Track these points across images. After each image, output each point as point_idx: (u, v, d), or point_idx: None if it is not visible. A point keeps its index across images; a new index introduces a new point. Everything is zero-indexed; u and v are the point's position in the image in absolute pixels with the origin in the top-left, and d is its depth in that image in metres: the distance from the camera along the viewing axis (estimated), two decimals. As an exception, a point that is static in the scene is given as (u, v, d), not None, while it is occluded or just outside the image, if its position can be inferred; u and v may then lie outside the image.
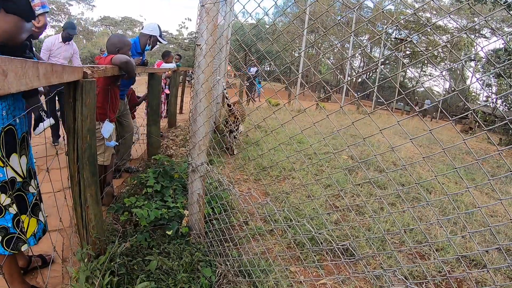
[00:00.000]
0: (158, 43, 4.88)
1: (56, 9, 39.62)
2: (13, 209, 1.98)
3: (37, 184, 2.24)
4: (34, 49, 2.53)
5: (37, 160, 4.51)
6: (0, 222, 1.97)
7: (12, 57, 1.00)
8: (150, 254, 2.55)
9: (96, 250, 2.38)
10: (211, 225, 2.87)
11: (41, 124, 2.31)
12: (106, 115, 3.42)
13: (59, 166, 2.28)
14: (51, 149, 5.18)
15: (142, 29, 4.81)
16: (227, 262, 2.60)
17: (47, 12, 2.18)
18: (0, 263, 1.99)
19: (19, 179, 2.00)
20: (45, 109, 2.38)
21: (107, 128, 3.36)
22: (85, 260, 2.25)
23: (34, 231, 2.15)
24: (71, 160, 2.20)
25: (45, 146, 2.62)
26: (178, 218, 3.04)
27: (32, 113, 2.91)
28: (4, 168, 1.89)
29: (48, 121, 2.38)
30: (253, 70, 11.76)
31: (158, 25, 4.71)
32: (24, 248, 2.09)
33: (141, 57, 4.61)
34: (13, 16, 1.82)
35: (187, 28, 47.28)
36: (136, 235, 2.77)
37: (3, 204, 1.94)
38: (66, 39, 5.84)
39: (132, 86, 5.03)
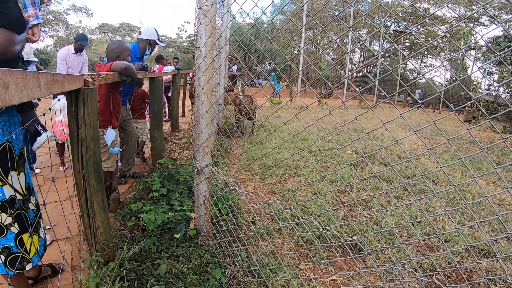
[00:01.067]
0: (156, 46, 4.90)
1: (53, 19, 39.71)
2: (15, 228, 1.96)
3: (36, 199, 2.22)
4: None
5: (42, 170, 4.54)
6: (2, 242, 1.95)
7: (12, 69, 1.00)
8: (159, 258, 2.55)
9: (105, 256, 2.39)
10: (218, 227, 2.87)
11: (38, 138, 2.25)
12: (108, 122, 3.43)
13: (64, 174, 2.28)
14: (56, 158, 5.19)
15: (139, 34, 4.81)
16: (236, 263, 2.60)
17: (40, 23, 2.15)
18: (7, 280, 1.99)
19: (19, 197, 1.97)
20: (41, 122, 2.34)
21: (110, 135, 3.38)
22: (95, 267, 2.26)
23: (37, 248, 2.14)
24: (76, 168, 2.21)
25: (50, 156, 2.62)
26: (186, 221, 3.04)
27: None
28: (3, 186, 1.86)
29: (45, 135, 2.34)
30: (234, 68, 11.60)
31: (155, 28, 4.73)
32: (28, 267, 2.08)
33: (141, 63, 4.62)
34: (3, 30, 1.80)
35: (186, 31, 47.35)
36: (144, 240, 2.78)
37: (4, 224, 1.92)
38: (78, 50, 6.01)
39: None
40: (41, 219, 2.26)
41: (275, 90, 20.04)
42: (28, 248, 2.05)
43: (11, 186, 1.91)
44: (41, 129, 2.23)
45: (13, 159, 1.91)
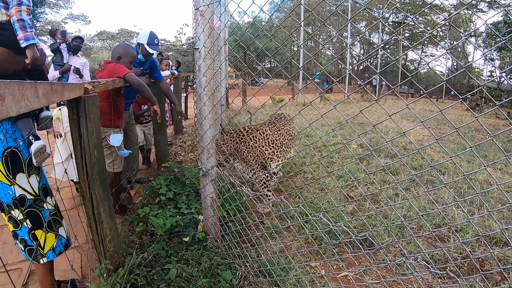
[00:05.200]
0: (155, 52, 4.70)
1: (51, 29, 39.80)
2: (27, 224, 2.06)
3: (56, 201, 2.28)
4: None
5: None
6: (20, 234, 2.09)
7: (8, 81, 0.98)
8: (168, 262, 2.54)
9: (114, 264, 2.38)
10: (227, 228, 2.85)
11: (30, 148, 2.16)
12: (111, 121, 3.43)
13: (69, 184, 2.27)
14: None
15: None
16: (246, 264, 2.59)
17: (33, 44, 2.13)
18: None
19: (29, 196, 2.05)
20: (35, 133, 2.25)
21: (117, 138, 3.34)
22: (105, 275, 2.25)
23: (53, 245, 2.19)
24: (81, 177, 2.20)
25: (53, 165, 2.62)
26: (194, 224, 3.03)
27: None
28: (12, 186, 1.96)
29: (37, 144, 2.20)
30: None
31: (152, 32, 4.46)
32: (43, 261, 2.16)
33: (141, 68, 4.50)
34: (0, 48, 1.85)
35: (184, 34, 47.29)
36: (153, 245, 2.77)
37: (18, 219, 2.03)
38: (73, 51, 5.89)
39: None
40: (64, 220, 2.32)
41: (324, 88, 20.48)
42: (42, 244, 2.13)
43: (20, 186, 1.99)
44: (32, 139, 2.16)
45: (21, 163, 2.00)
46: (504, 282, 2.60)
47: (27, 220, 2.06)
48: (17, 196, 1.99)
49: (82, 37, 6.13)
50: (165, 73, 8.38)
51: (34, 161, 2.05)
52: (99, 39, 48.35)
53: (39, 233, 2.11)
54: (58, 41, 5.79)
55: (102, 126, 3.43)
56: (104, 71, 3.39)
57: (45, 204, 2.14)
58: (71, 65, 5.69)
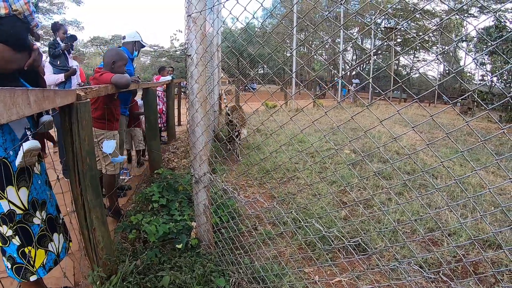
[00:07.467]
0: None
1: (44, 34, 39.64)
2: (16, 241, 1.98)
3: (47, 214, 2.21)
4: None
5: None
6: (8, 251, 2.00)
7: (0, 88, 0.98)
8: (162, 269, 2.53)
9: (107, 271, 2.36)
10: (220, 235, 2.85)
11: (22, 145, 1.98)
12: (104, 124, 3.44)
13: (61, 190, 2.25)
14: (52, 174, 5.13)
15: (123, 39, 4.73)
16: (239, 270, 2.58)
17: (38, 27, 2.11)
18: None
19: (19, 211, 1.97)
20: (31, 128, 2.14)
21: (109, 145, 3.34)
22: (97, 283, 2.23)
23: (43, 262, 2.13)
24: (73, 184, 2.18)
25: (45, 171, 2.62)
26: (187, 230, 3.01)
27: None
28: (1, 200, 1.88)
29: (32, 143, 2.01)
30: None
31: (137, 31, 4.76)
32: (33, 278, 2.09)
33: (138, 77, 4.52)
34: None
35: (178, 40, 47.20)
36: (146, 252, 2.75)
37: (6, 235, 1.95)
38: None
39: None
40: (55, 234, 2.26)
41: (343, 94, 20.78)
42: (32, 261, 2.07)
43: (9, 201, 1.91)
44: (30, 135, 2.03)
45: (11, 175, 1.91)
46: (497, 285, 2.62)
47: (17, 237, 1.98)
48: (5, 211, 1.91)
49: (76, 37, 5.91)
50: (166, 78, 8.67)
51: (18, 160, 1.91)
52: (92, 45, 48.13)
53: (29, 249, 2.05)
54: (60, 41, 5.41)
55: (98, 128, 3.45)
56: (94, 81, 3.42)
57: (34, 218, 2.08)
58: (76, 69, 5.50)
